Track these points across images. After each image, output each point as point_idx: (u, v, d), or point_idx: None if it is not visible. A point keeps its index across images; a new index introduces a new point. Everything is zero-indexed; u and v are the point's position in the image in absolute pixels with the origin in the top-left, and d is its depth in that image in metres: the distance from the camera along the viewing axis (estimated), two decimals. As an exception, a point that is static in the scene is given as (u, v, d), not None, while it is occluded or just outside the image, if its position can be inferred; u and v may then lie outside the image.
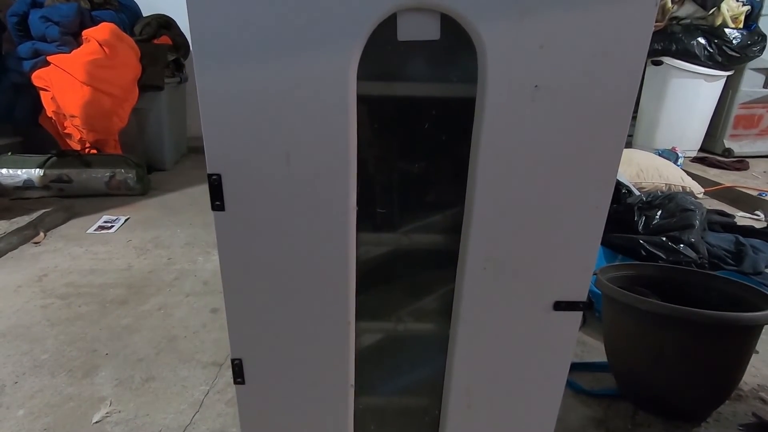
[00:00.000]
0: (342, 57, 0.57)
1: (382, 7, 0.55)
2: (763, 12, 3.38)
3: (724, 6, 3.23)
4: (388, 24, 0.57)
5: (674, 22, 3.37)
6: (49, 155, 2.74)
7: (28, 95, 2.97)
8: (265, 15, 0.55)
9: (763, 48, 3.31)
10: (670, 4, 3.37)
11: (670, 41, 3.32)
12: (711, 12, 3.26)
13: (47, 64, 2.85)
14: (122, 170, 2.78)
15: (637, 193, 2.19)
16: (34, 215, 2.28)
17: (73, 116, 2.85)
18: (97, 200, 2.72)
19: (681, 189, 2.69)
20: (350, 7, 0.55)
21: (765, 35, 3.30)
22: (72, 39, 2.91)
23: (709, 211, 2.06)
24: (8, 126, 3.15)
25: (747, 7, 3.29)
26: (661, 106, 3.50)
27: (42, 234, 2.25)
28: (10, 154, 2.83)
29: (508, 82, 0.57)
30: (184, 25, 3.46)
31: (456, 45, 0.58)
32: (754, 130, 3.67)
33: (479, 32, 0.56)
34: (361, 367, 0.74)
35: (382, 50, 0.59)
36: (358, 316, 0.71)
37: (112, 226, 2.40)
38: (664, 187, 2.67)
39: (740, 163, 3.39)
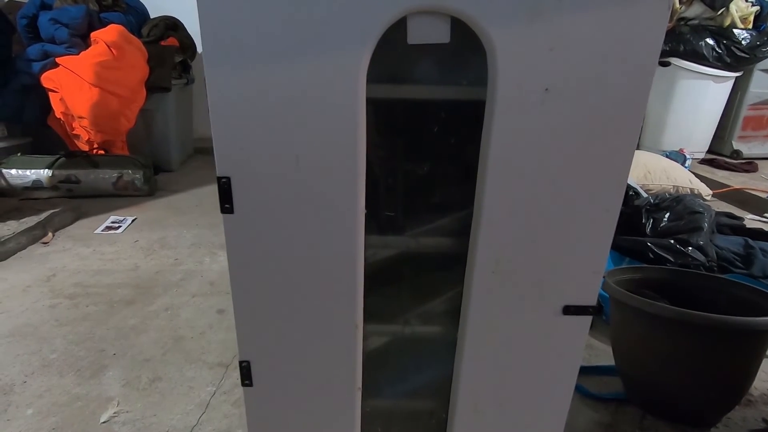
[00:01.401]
0: (352, 60, 0.57)
1: (392, 10, 0.55)
2: (773, 12, 3.34)
3: (733, 6, 3.20)
4: (398, 27, 0.57)
5: (682, 22, 3.35)
6: (58, 156, 2.76)
7: (36, 96, 2.99)
8: (275, 18, 0.55)
9: (773, 49, 3.28)
10: (678, 5, 3.35)
11: (678, 42, 3.30)
12: (720, 12, 3.23)
13: (56, 65, 2.88)
14: (129, 171, 2.80)
15: (644, 195, 2.17)
16: (43, 215, 2.30)
17: (81, 117, 2.88)
18: (105, 201, 2.74)
19: (689, 191, 2.67)
20: (360, 11, 0.55)
21: (774, 36, 3.27)
22: (80, 41, 2.94)
23: (718, 213, 2.03)
24: (17, 127, 3.17)
25: (756, 8, 3.26)
26: (669, 108, 3.48)
27: (50, 234, 2.26)
28: (19, 154, 2.85)
29: (518, 84, 0.57)
30: (191, 26, 3.48)
31: (466, 48, 0.58)
32: (764, 132, 3.64)
33: (489, 35, 0.55)
34: (368, 369, 0.74)
35: (392, 53, 0.59)
36: (366, 319, 0.71)
37: (120, 227, 2.41)
38: (671, 189, 2.64)
39: (749, 165, 3.36)
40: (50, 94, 2.91)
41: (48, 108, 2.98)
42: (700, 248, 1.72)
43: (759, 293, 1.21)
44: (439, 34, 0.57)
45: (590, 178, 0.61)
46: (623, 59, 0.56)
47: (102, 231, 2.37)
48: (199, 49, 3.46)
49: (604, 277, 1.27)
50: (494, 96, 0.58)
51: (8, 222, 2.21)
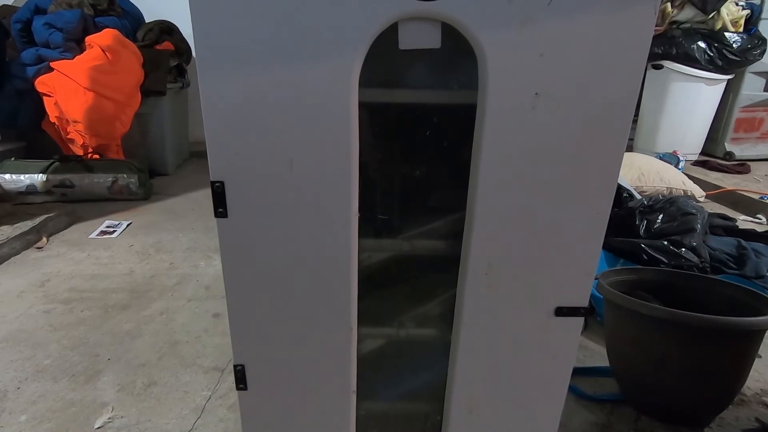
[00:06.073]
0: (344, 65, 0.57)
1: (383, 16, 0.56)
2: (763, 16, 3.39)
3: (724, 10, 3.24)
4: (390, 32, 0.57)
5: (674, 26, 3.38)
6: (52, 160, 2.75)
7: (31, 101, 2.98)
8: (268, 23, 0.56)
9: (763, 52, 3.31)
10: (670, 9, 3.38)
11: (671, 45, 3.33)
12: (711, 16, 3.27)
13: (50, 70, 2.87)
14: (124, 175, 2.79)
15: (638, 196, 2.19)
16: (37, 220, 2.29)
17: (75, 121, 2.87)
18: (100, 205, 2.73)
19: (682, 192, 2.69)
20: (352, 16, 0.55)
21: (765, 39, 3.31)
22: (75, 45, 2.93)
23: (711, 214, 2.05)
24: (11, 131, 3.16)
25: (747, 11, 3.29)
26: (662, 110, 3.51)
27: (45, 239, 2.25)
28: (13, 159, 2.84)
29: (508, 89, 0.58)
30: (186, 30, 3.48)
31: (457, 53, 0.58)
32: (755, 134, 3.67)
33: (480, 40, 0.56)
34: (363, 372, 0.74)
35: (384, 58, 0.60)
36: (360, 322, 0.71)
37: (115, 231, 2.40)
38: (665, 191, 2.67)
39: (741, 167, 3.39)
40: (45, 98, 2.91)
41: (42, 112, 2.97)
42: (693, 249, 1.73)
43: (751, 294, 1.22)
44: (430, 39, 0.58)
45: (580, 181, 0.62)
46: (612, 64, 0.57)
47: (97, 235, 2.36)
48: (194, 53, 3.46)
49: (597, 278, 1.29)
50: (485, 100, 0.58)
51: (2, 227, 2.20)
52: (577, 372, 1.33)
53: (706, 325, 1.08)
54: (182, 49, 3.43)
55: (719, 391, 1.17)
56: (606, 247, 1.82)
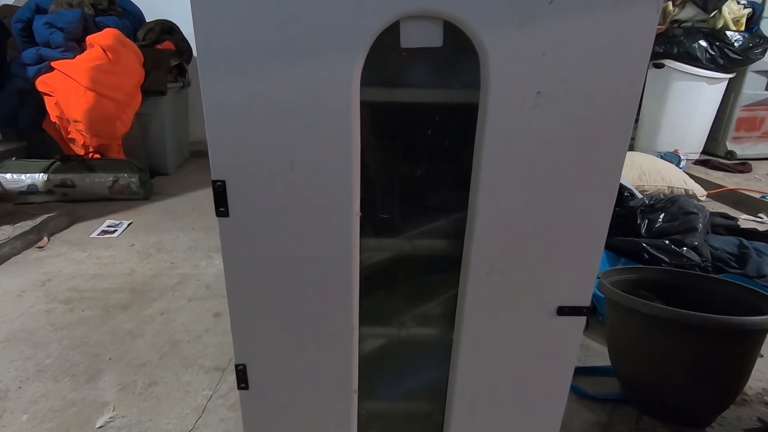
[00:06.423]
0: (346, 64, 0.57)
1: (385, 14, 0.56)
2: (765, 14, 3.37)
3: (725, 9, 3.23)
4: (392, 31, 0.57)
5: (675, 25, 3.38)
6: (53, 160, 2.75)
7: (32, 101, 2.98)
8: (269, 22, 0.56)
9: (765, 50, 3.31)
10: (671, 7, 3.38)
11: (672, 44, 3.32)
12: (712, 15, 3.26)
13: (51, 69, 2.87)
14: (125, 175, 2.79)
15: (639, 196, 2.18)
16: (38, 220, 2.29)
17: (76, 121, 2.87)
18: (101, 205, 2.73)
19: (683, 192, 2.69)
20: (354, 15, 0.55)
21: (766, 38, 3.30)
22: (76, 45, 2.93)
23: (712, 213, 2.05)
24: (12, 131, 3.16)
25: (748, 10, 3.29)
26: (663, 109, 3.50)
27: (45, 238, 2.25)
28: (14, 159, 2.84)
29: (510, 88, 0.58)
30: (186, 30, 3.48)
31: (459, 52, 0.58)
32: (757, 133, 3.67)
33: (481, 39, 0.56)
34: (364, 372, 0.74)
35: (386, 57, 0.60)
36: (362, 321, 0.71)
37: (115, 231, 2.40)
38: (666, 190, 2.66)
39: (743, 166, 3.38)
40: (45, 98, 2.91)
41: (43, 112, 2.97)
42: (694, 248, 1.73)
43: (753, 293, 1.22)
44: (432, 38, 0.58)
45: (582, 181, 0.61)
46: (614, 63, 0.57)
47: (97, 235, 2.36)
48: (195, 52, 3.45)
49: (599, 277, 1.28)
50: (487, 99, 0.58)
51: (3, 227, 2.20)
52: (579, 371, 1.33)
53: (708, 325, 1.08)
54: (183, 49, 3.43)
55: (721, 391, 1.17)
56: (607, 246, 1.82)
